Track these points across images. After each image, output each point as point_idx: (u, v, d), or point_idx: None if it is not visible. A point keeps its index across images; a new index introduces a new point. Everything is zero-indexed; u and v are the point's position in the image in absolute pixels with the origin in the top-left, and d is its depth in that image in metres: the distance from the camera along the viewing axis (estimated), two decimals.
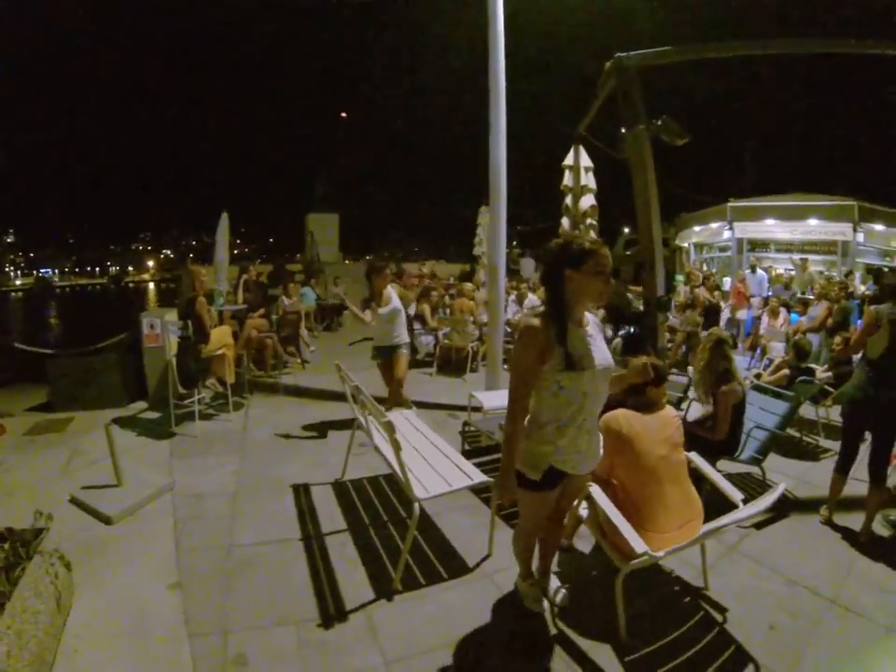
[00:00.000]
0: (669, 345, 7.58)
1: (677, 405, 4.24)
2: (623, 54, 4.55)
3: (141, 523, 3.19)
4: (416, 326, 7.85)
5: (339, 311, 11.07)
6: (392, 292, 4.78)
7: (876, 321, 3.10)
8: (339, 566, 2.78)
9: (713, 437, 3.44)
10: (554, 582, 2.56)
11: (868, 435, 3.27)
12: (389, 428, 2.54)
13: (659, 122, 4.64)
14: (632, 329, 6.64)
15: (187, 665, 2.12)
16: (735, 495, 2.54)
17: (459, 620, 2.39)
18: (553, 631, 2.36)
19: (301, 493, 3.59)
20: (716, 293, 9.34)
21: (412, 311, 8.00)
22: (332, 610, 2.43)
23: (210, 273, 6.88)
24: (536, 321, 1.92)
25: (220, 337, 5.15)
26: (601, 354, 2.00)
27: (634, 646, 2.25)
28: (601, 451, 2.23)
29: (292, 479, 3.77)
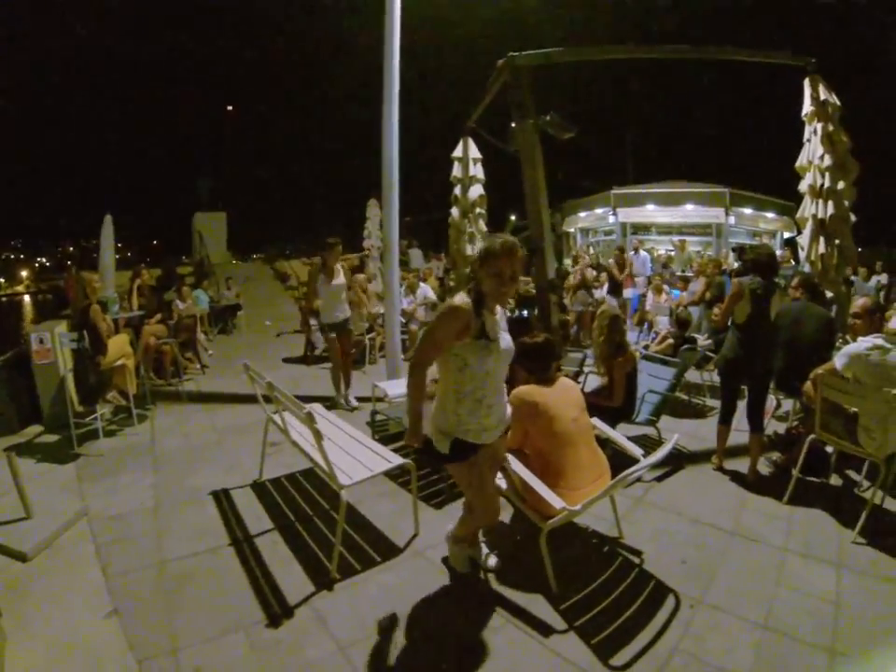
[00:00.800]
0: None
1: (574, 379, 4.61)
2: (516, 53, 4.79)
3: (60, 554, 2.95)
4: (312, 321, 7.58)
5: (233, 313, 10.84)
6: (340, 269, 5.21)
7: (740, 292, 3.57)
8: (274, 565, 2.78)
9: (611, 404, 3.76)
10: (483, 550, 2.75)
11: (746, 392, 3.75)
12: (310, 419, 2.60)
13: (547, 118, 4.96)
14: (524, 312, 7.03)
15: None
16: (636, 450, 2.86)
17: (401, 596, 2.50)
18: (490, 594, 2.54)
19: (223, 499, 3.52)
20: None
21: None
22: (278, 609, 2.44)
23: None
24: (461, 303, 2.14)
25: (119, 346, 4.84)
26: (504, 340, 2.26)
27: (566, 595, 2.47)
28: (505, 422, 2.45)
29: (210, 486, 3.69)
